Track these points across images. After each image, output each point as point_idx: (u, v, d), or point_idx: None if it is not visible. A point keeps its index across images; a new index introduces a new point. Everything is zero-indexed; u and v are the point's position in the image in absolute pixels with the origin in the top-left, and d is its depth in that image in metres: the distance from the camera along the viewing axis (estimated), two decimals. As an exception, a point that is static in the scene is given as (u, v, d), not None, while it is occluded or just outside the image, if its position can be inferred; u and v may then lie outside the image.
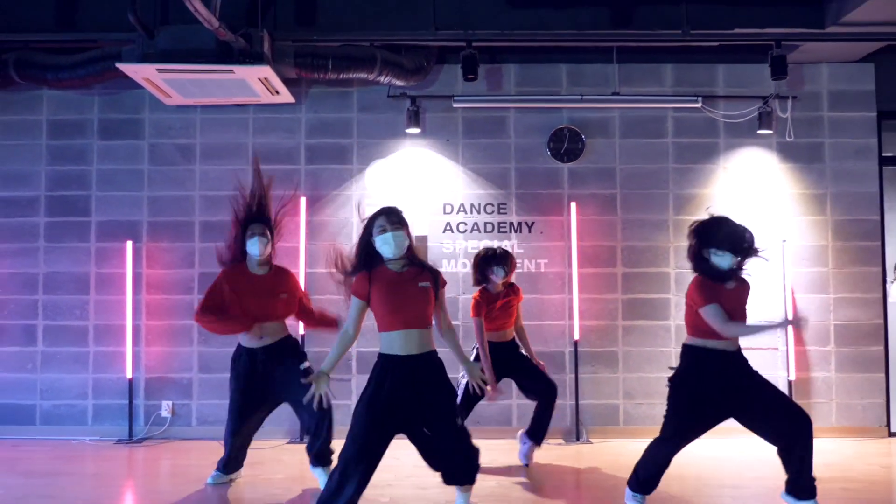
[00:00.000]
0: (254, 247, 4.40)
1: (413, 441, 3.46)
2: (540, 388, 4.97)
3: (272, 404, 4.56)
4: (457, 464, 3.50)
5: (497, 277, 4.84)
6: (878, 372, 5.99)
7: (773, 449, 3.74)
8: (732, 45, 5.81)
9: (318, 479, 4.44)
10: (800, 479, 3.67)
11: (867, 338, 6.00)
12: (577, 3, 5.49)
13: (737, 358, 3.77)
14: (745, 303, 3.79)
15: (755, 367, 3.83)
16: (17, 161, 6.07)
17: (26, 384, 5.97)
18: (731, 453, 5.30)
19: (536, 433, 4.97)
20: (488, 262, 4.87)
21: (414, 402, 3.33)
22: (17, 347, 5.98)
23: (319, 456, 4.42)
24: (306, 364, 4.45)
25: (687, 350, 3.79)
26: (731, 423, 3.82)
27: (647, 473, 3.82)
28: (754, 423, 3.75)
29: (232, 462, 4.60)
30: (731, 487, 4.54)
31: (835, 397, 5.99)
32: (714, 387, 3.68)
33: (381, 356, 3.39)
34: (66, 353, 5.99)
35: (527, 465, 5.00)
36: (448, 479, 3.56)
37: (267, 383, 4.40)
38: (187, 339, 5.98)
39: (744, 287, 3.82)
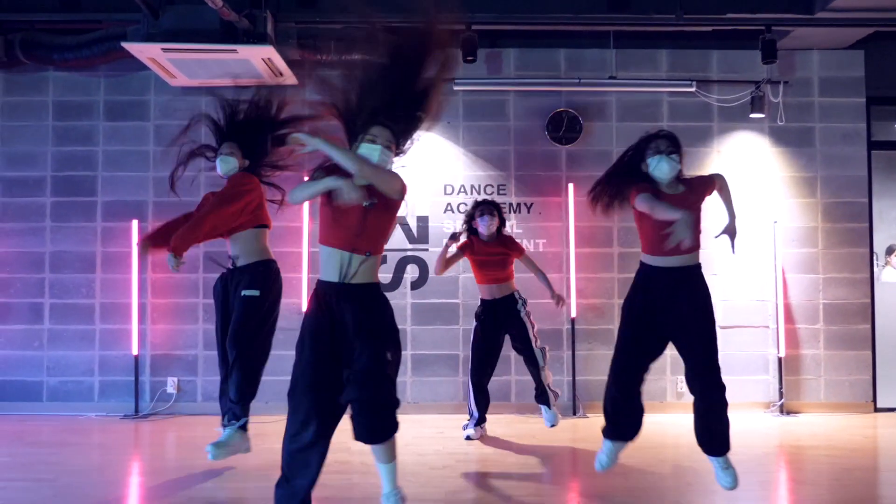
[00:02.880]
0: (217, 165, 4.29)
1: None
2: (524, 356, 5.16)
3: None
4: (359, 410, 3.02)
5: (483, 227, 4.99)
6: (864, 349, 6.17)
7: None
8: (725, 30, 5.96)
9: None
10: (708, 433, 3.67)
11: (855, 316, 6.18)
12: (575, -13, 5.64)
13: (685, 274, 3.59)
14: (698, 206, 3.66)
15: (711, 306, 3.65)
16: (23, 142, 6.16)
17: (33, 361, 6.06)
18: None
19: (539, 396, 5.18)
20: (471, 214, 5.08)
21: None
22: (24, 325, 6.07)
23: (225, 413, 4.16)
24: (252, 293, 4.07)
25: (638, 266, 3.76)
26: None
27: (605, 410, 3.80)
28: (683, 353, 3.64)
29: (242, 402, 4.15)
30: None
31: (823, 374, 6.16)
32: (651, 301, 3.58)
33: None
34: (72, 331, 6.08)
35: (552, 426, 5.19)
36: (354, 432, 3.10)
37: (226, 306, 4.16)
38: (192, 316, 6.09)
39: (693, 189, 3.67)
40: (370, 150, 3.02)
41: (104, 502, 3.80)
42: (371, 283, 3.06)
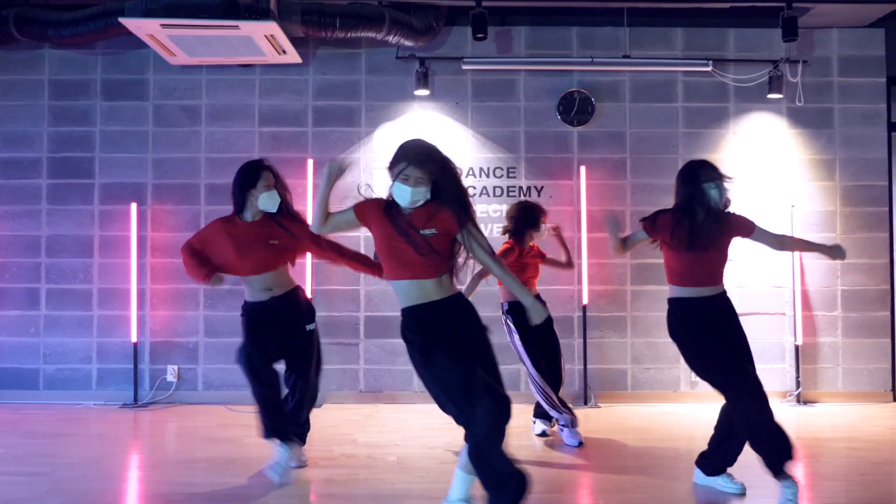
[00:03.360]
0: (268, 202, 3.95)
1: None
2: (547, 363, 4.76)
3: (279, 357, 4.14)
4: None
5: (540, 235, 4.73)
6: (884, 337, 6.02)
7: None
8: (743, 7, 5.76)
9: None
10: (721, 454, 3.69)
11: (874, 303, 6.02)
12: (590, -38, 5.45)
13: (724, 297, 3.70)
14: (726, 242, 3.73)
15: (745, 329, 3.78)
16: (18, 122, 5.97)
17: (29, 348, 5.90)
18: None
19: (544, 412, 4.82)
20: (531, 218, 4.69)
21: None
22: (20, 311, 5.91)
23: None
24: (313, 326, 4.14)
25: (669, 303, 3.72)
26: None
27: (766, 439, 3.43)
28: None
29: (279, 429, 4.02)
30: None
31: (841, 362, 6.01)
32: (704, 327, 3.60)
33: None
34: (69, 317, 5.93)
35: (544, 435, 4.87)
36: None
37: (275, 333, 4.03)
38: (193, 303, 5.93)
39: (728, 224, 3.68)
40: (401, 189, 3.01)
41: (102, 497, 3.65)
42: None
